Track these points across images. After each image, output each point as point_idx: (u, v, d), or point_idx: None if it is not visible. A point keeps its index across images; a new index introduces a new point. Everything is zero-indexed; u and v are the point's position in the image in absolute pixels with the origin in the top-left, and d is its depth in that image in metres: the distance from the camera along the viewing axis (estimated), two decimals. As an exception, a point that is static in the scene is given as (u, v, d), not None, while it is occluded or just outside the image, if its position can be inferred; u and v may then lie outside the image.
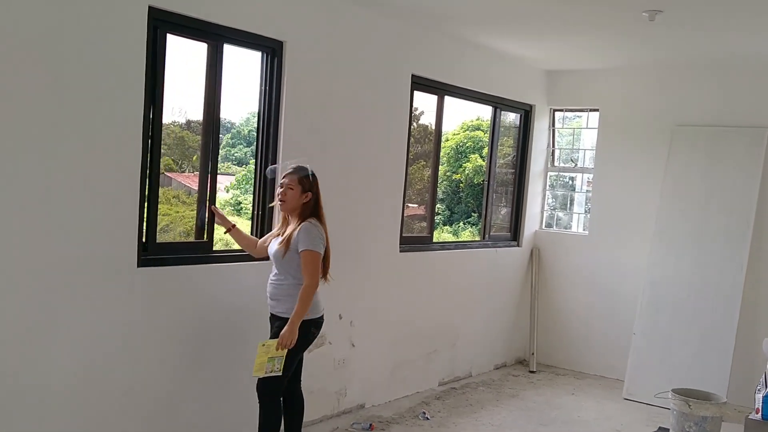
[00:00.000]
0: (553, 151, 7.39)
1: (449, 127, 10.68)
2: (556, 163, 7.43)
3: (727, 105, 6.26)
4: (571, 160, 7.38)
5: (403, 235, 5.66)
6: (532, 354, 6.93)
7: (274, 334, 3.89)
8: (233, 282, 4.36)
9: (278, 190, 4.00)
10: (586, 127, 7.29)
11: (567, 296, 7.05)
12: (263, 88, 4.55)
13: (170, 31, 3.94)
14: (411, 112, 5.60)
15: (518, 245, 7.06)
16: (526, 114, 7.06)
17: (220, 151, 4.82)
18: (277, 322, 3.91)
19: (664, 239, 6.30)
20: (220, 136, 4.67)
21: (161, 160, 4.03)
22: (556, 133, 7.42)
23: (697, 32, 5.18)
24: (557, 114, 7.37)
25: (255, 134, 4.71)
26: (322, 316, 4.05)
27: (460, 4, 4.79)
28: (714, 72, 6.29)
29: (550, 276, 7.15)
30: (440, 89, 5.90)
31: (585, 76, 6.98)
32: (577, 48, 6.07)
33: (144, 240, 3.92)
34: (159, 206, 4.07)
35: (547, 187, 7.42)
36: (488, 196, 6.75)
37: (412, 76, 5.51)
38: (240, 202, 7.78)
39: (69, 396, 3.58)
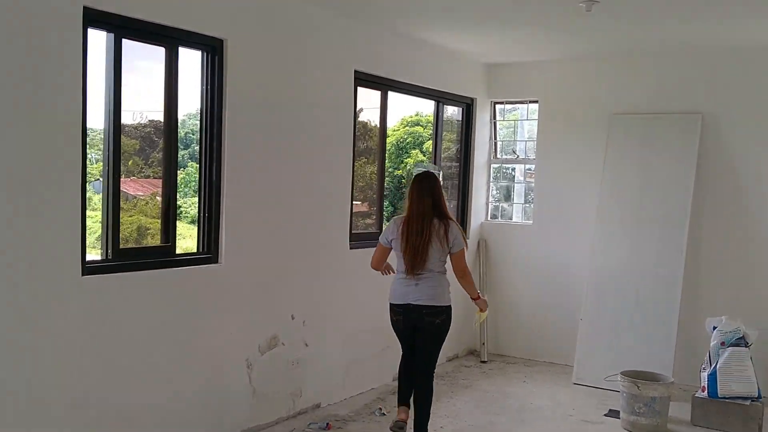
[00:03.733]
0: (495, 143, 7.48)
1: (389, 123, 10.72)
2: (498, 155, 7.51)
3: (662, 92, 6.44)
4: (513, 152, 7.47)
5: (353, 231, 5.63)
6: (483, 344, 7.01)
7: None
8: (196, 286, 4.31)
9: None
10: (527, 119, 7.40)
11: (514, 286, 7.15)
12: (204, 87, 4.45)
13: (126, 37, 3.91)
14: (355, 108, 5.57)
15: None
16: (468, 107, 7.12)
17: (157, 155, 4.74)
18: None
19: (606, 226, 6.45)
20: (157, 140, 4.59)
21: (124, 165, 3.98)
22: (498, 126, 7.50)
23: (631, 22, 5.30)
24: (498, 106, 7.45)
25: (192, 136, 4.63)
26: (397, 305, 4.49)
27: (401, -1, 4.79)
28: (648, 61, 6.46)
29: (498, 266, 7.24)
30: (383, 85, 5.89)
31: (524, 68, 7.08)
32: (516, 41, 6.15)
33: (107, 247, 3.91)
34: (95, 214, 4.00)
35: (491, 179, 7.50)
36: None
37: (355, 71, 5.48)
38: (179, 206, 7.66)
39: (21, 408, 3.43)
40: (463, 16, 5.28)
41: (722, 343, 5.17)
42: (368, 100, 6.06)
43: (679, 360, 5.89)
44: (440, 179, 4.61)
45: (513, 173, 7.72)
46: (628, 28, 5.47)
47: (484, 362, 6.89)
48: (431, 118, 11.44)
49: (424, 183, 4.46)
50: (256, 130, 4.67)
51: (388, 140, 6.60)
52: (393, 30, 5.71)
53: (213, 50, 4.40)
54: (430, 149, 10.97)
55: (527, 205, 7.41)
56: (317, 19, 5.09)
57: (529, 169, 7.45)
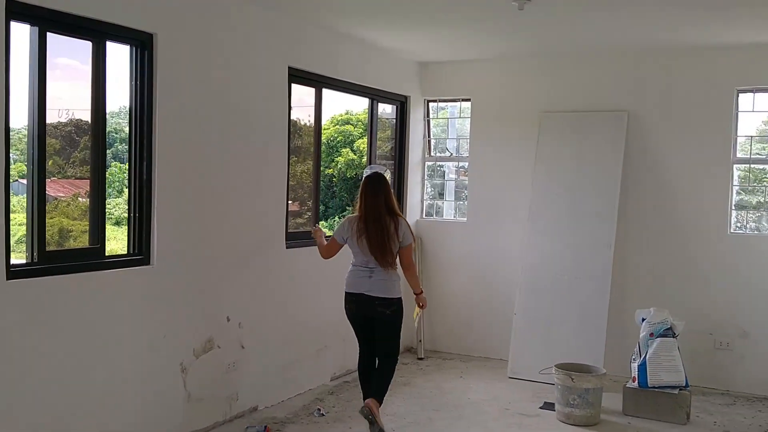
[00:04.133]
0: (429, 142, 7.52)
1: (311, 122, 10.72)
2: (432, 153, 7.56)
3: (590, 91, 6.61)
4: (446, 149, 7.53)
5: (289, 231, 5.55)
6: (420, 341, 7.03)
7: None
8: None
9: None
10: (459, 117, 7.46)
11: (450, 283, 7.20)
12: (134, 83, 4.30)
13: (51, 30, 3.72)
14: (290, 104, 5.49)
15: (400, 235, 7.12)
16: (402, 105, 7.13)
17: (78, 154, 4.58)
18: None
19: (538, 222, 6.57)
20: (78, 139, 4.43)
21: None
22: (431, 123, 7.55)
23: (561, 22, 5.41)
24: (431, 104, 7.49)
25: (115, 135, 4.48)
26: (351, 293, 4.76)
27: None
28: (576, 60, 6.62)
29: (433, 264, 7.28)
30: (318, 82, 5.84)
31: (457, 67, 7.14)
32: (449, 40, 6.20)
33: (32, 250, 3.73)
34: (16, 215, 3.82)
35: (426, 177, 7.53)
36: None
37: (289, 68, 5.41)
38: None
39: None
40: (397, 15, 5.29)
41: (651, 334, 5.34)
42: (299, 99, 5.99)
43: (609, 351, 6.05)
44: (389, 178, 4.90)
45: (444, 171, 7.77)
46: (559, 27, 5.58)
47: (421, 359, 6.92)
48: (362, 117, 11.47)
49: (376, 183, 4.73)
50: (188, 127, 4.55)
51: (307, 140, 6.57)
52: (327, 27, 5.66)
53: (142, 45, 4.26)
54: (361, 147, 11.01)
55: (460, 202, 7.48)
56: (250, 14, 4.99)
57: (463, 167, 7.52)
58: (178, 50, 4.42)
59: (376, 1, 4.91)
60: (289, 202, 5.62)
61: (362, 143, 10.95)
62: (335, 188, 11.37)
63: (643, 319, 5.44)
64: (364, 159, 10.63)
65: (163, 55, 4.31)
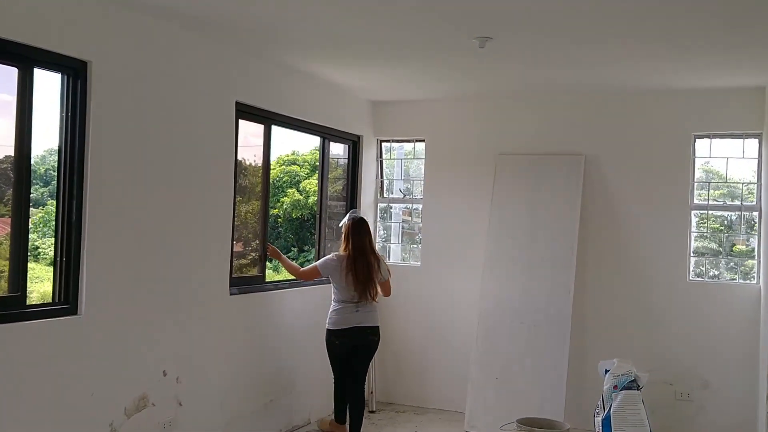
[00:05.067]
0: (381, 182, 7.27)
1: (259, 162, 10.52)
2: (385, 194, 7.30)
3: (546, 134, 6.47)
4: (400, 191, 7.28)
5: (233, 276, 5.18)
6: (371, 393, 6.65)
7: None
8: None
9: None
10: (413, 158, 7.25)
11: (403, 329, 6.88)
12: (64, 114, 3.92)
13: None
14: (237, 141, 5.17)
15: (351, 280, 6.79)
16: (354, 145, 6.88)
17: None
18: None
19: (494, 268, 6.33)
20: (12, 176, 4.02)
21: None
22: (384, 164, 7.30)
23: (518, 63, 5.27)
24: (384, 145, 7.26)
25: (53, 173, 4.09)
26: (342, 329, 5.26)
27: (279, 25, 4.47)
28: (533, 102, 6.50)
29: (386, 309, 6.94)
30: (267, 118, 5.54)
31: (410, 106, 6.94)
32: (402, 79, 6.00)
33: None
34: None
35: (378, 219, 7.25)
36: (320, 230, 6.45)
37: (237, 103, 5.10)
38: (37, 247, 6.97)
39: None
40: (348, 50, 5.06)
41: (615, 387, 5.12)
42: (244, 138, 5.67)
43: (569, 402, 5.80)
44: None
45: (392, 212, 7.49)
46: (515, 69, 5.45)
47: (372, 412, 6.54)
48: (308, 157, 11.24)
49: (360, 226, 5.38)
50: (125, 163, 4.17)
51: (254, 179, 6.29)
52: (276, 61, 5.38)
53: (75, 73, 3.89)
54: (307, 188, 10.73)
55: (415, 246, 7.21)
56: (194, 45, 4.69)
57: (407, 208, 7.27)
58: (115, 80, 4.07)
59: (328, 36, 4.68)
60: (234, 242, 5.26)
61: (308, 184, 10.71)
62: (280, 228, 11.10)
63: (606, 371, 5.22)
64: (311, 199, 10.37)
65: (98, 85, 3.96)
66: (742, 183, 6.04)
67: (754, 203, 5.94)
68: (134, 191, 4.24)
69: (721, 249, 6.17)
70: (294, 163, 11.33)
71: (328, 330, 5.32)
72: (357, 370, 5.35)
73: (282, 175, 11.08)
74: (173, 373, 4.56)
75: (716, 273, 6.16)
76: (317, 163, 10.24)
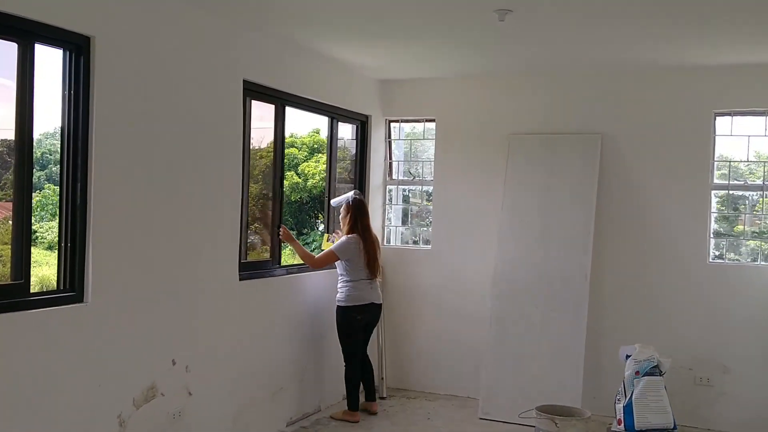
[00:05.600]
0: (390, 164, 7.08)
1: (263, 144, 10.37)
2: (394, 176, 7.11)
3: (560, 113, 6.28)
4: (409, 173, 7.10)
5: (243, 261, 5.01)
6: (382, 379, 6.49)
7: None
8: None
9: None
10: (423, 138, 7.06)
11: (413, 314, 6.73)
12: (67, 93, 3.73)
13: None
14: (247, 120, 4.98)
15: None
16: (363, 125, 6.68)
17: (10, 176, 3.98)
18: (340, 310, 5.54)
19: (508, 251, 6.17)
20: (10, 160, 3.85)
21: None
22: (393, 145, 7.11)
23: (533, 40, 5.08)
24: (393, 125, 7.07)
25: (49, 157, 3.91)
26: (362, 305, 5.48)
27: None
28: (547, 79, 6.30)
29: (396, 294, 6.79)
30: (275, 97, 5.34)
31: (420, 85, 6.74)
32: (414, 56, 5.79)
33: None
34: None
35: (387, 202, 7.07)
36: (329, 212, 6.28)
37: (245, 81, 4.90)
38: (35, 231, 6.83)
39: None
40: (357, 27, 4.85)
41: (636, 372, 4.97)
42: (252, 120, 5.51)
43: (586, 388, 5.67)
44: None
45: (402, 194, 7.32)
46: (533, 43, 5.22)
47: (383, 398, 6.38)
48: (306, 140, 11.02)
49: (363, 206, 5.64)
50: (131, 144, 3.99)
51: (262, 161, 6.11)
52: (283, 38, 5.17)
53: (78, 49, 3.70)
54: (306, 171, 10.53)
55: (426, 228, 7.05)
56: (200, 21, 4.48)
57: (424, 190, 7.10)
58: (120, 56, 3.88)
59: (337, 12, 4.48)
60: (243, 226, 5.09)
61: (307, 166, 10.52)
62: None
63: (628, 356, 5.08)
64: (310, 182, 10.18)
65: (102, 61, 3.76)
66: (765, 163, 5.86)
67: (777, 183, 5.77)
68: (141, 173, 4.06)
69: (742, 229, 6.00)
70: (292, 146, 11.16)
71: (346, 307, 5.44)
72: (367, 340, 5.74)
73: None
74: (182, 362, 4.41)
75: (736, 256, 5.99)
76: (316, 146, 10.05)
